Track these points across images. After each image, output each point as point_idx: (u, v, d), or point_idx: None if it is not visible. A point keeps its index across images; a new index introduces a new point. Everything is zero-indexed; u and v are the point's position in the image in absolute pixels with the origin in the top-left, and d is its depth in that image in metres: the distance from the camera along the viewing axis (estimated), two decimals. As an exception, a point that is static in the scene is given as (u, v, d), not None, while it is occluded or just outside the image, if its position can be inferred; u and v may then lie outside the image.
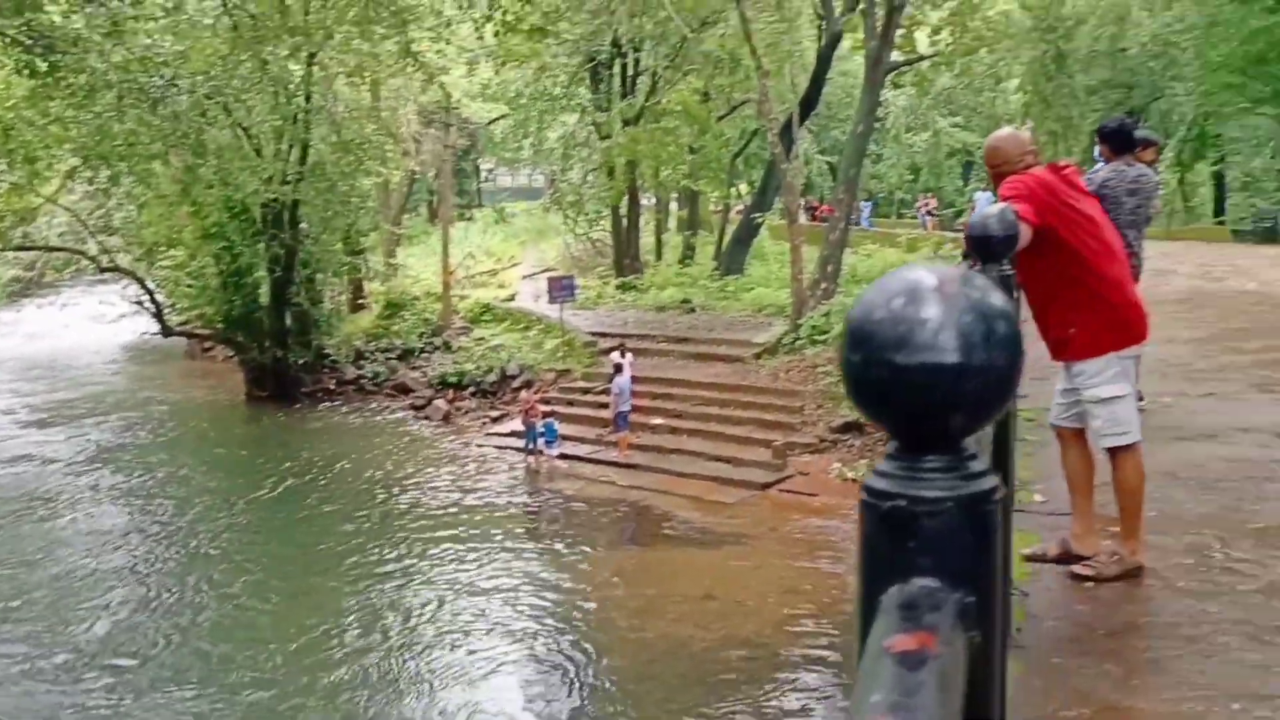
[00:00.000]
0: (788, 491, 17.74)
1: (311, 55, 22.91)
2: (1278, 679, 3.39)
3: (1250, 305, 12.96)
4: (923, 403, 0.67)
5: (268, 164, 24.19)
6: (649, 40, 29.11)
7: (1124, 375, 4.30)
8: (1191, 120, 33.81)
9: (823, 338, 20.35)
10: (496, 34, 19.89)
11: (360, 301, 30.58)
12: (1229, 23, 28.14)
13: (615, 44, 28.46)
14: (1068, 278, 4.22)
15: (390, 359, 26.49)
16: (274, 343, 25.83)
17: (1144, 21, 36.70)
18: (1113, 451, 4.33)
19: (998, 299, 0.69)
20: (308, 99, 24.45)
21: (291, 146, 24.83)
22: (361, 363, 26.49)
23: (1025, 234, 4.05)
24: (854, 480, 16.34)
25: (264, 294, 26.34)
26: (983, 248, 2.26)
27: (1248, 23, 27.36)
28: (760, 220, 30.88)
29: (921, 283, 0.68)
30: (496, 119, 40.02)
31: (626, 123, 28.49)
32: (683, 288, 29.48)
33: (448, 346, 26.46)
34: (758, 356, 21.71)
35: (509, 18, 18.36)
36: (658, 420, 20.44)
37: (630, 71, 30.22)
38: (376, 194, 32.14)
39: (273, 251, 25.30)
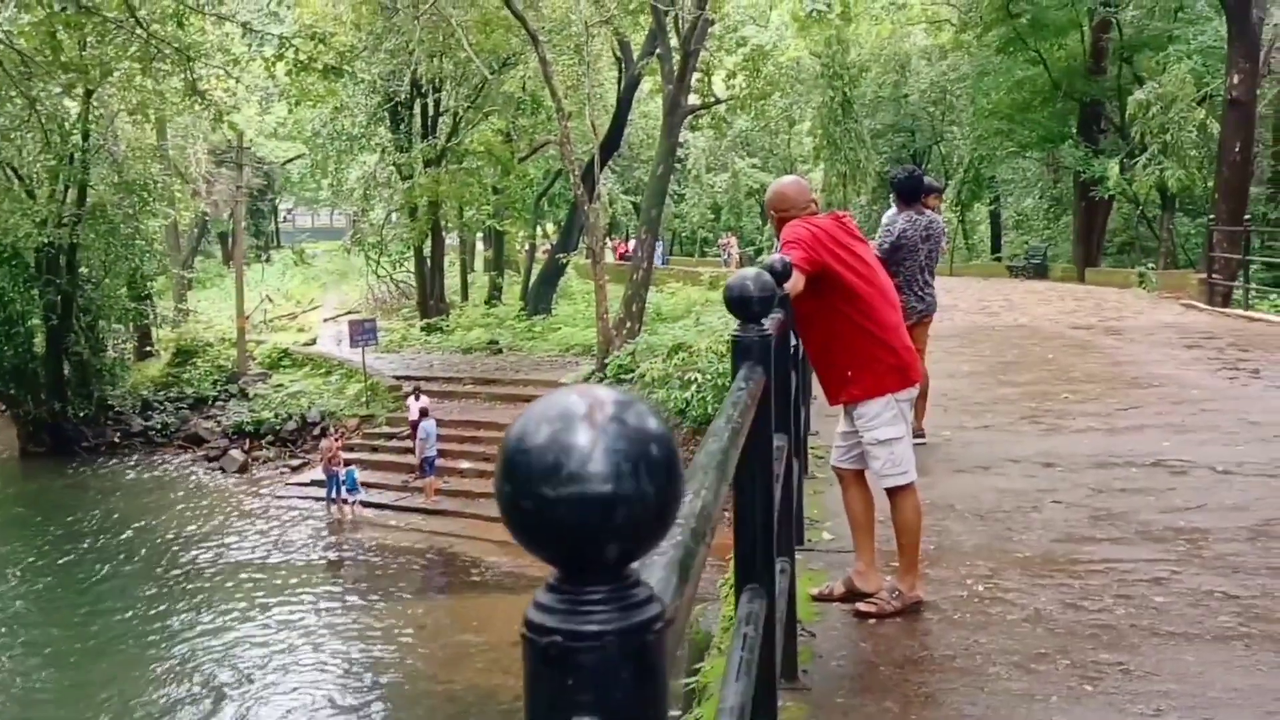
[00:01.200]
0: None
1: (89, 92, 21.73)
2: (1040, 705, 3.55)
3: (1022, 339, 13.80)
4: (574, 535, 0.64)
5: (41, 206, 22.78)
6: (449, 81, 28.96)
7: (901, 417, 4.47)
8: (968, 163, 36.01)
9: (629, 376, 20.50)
10: (289, 73, 19.33)
11: (148, 349, 29.04)
12: (996, 72, 30.18)
13: (415, 84, 28.17)
14: (848, 323, 4.36)
15: (181, 409, 25.24)
16: (51, 395, 24.24)
17: (923, 70, 38.95)
18: (892, 491, 4.49)
19: (654, 423, 0.66)
20: (85, 137, 23.19)
21: (68, 187, 23.49)
22: (150, 414, 25.13)
23: (798, 282, 4.17)
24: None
25: (39, 343, 24.69)
26: (742, 308, 2.28)
27: (1013, 73, 29.42)
28: (566, 260, 31.04)
29: (573, 409, 0.65)
30: (293, 158, 38.94)
31: (428, 163, 28.18)
32: (489, 328, 29.29)
33: (244, 394, 25.41)
34: (565, 396, 21.70)
35: (301, 57, 17.90)
36: (465, 464, 20.15)
37: (431, 112, 29.95)
38: (164, 236, 30.70)
39: (48, 298, 23.78)
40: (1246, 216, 18.72)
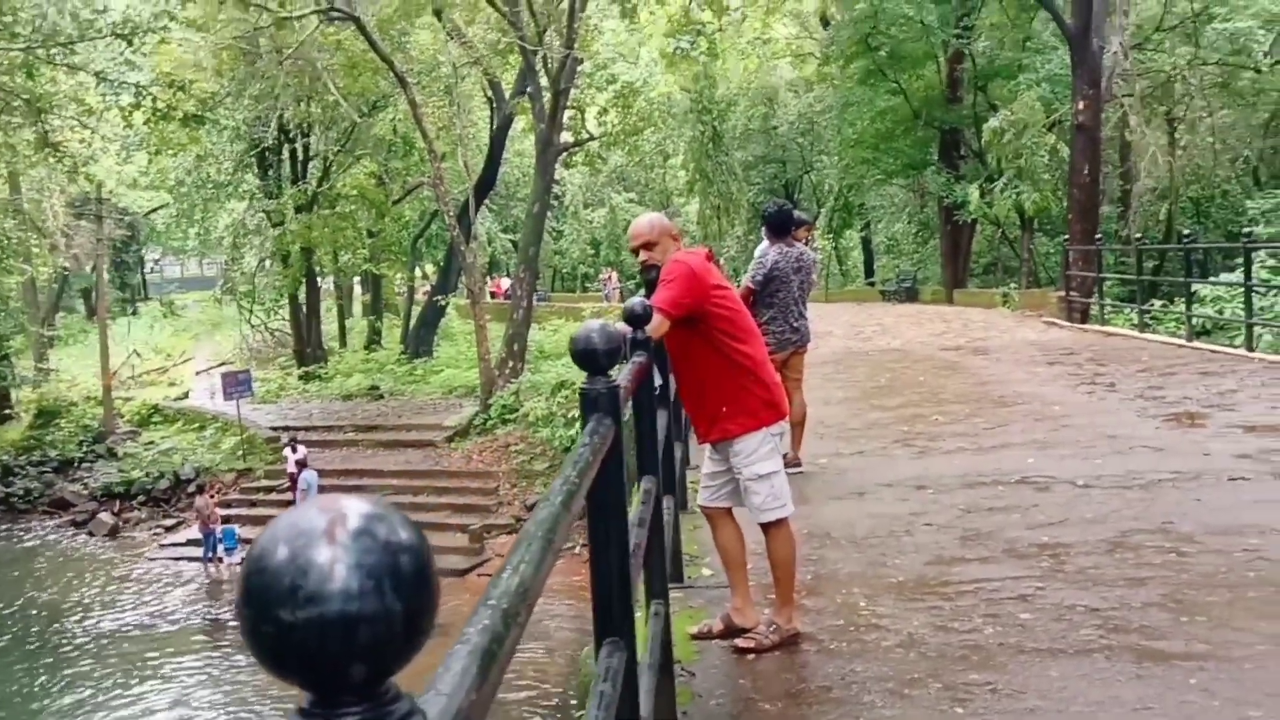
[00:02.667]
0: (487, 575, 17.54)
1: (-67, 146, 20.82)
2: (913, 732, 3.61)
3: (894, 363, 14.16)
4: (317, 659, 0.62)
5: (-114, 266, 21.68)
6: (318, 125, 28.54)
7: (776, 451, 4.53)
8: (838, 191, 36.92)
9: (513, 416, 20.39)
10: (147, 122, 18.80)
11: (7, 412, 27.70)
12: (860, 103, 31.08)
13: (283, 129, 27.68)
14: (724, 359, 4.40)
15: (45, 472, 24.12)
16: (-98, 464, 22.96)
17: (791, 102, 39.90)
18: (768, 525, 4.52)
19: (404, 534, 0.64)
20: (-71, 193, 22.16)
21: (-86, 246, 22.40)
22: (10, 479, 23.94)
23: (662, 324, 4.20)
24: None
25: (-117, 411, 23.40)
26: (588, 361, 2.27)
27: (875, 103, 30.34)
28: (445, 301, 30.76)
29: (313, 525, 0.63)
30: (157, 208, 37.81)
31: (300, 208, 27.67)
32: (370, 374, 28.79)
33: (112, 454, 24.41)
34: (449, 440, 21.45)
35: (160, 105, 17.43)
36: (349, 514, 19.71)
37: (301, 156, 29.46)
38: (21, 293, 29.43)
39: (-111, 362, 22.58)
40: (1098, 235, 19.59)
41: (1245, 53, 24.14)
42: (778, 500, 4.46)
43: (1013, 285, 26.55)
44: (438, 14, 24.06)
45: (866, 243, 43.62)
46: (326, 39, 22.66)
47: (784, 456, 7.60)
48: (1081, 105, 20.04)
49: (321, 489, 19.30)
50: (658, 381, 4.57)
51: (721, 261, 27.29)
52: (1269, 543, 5.26)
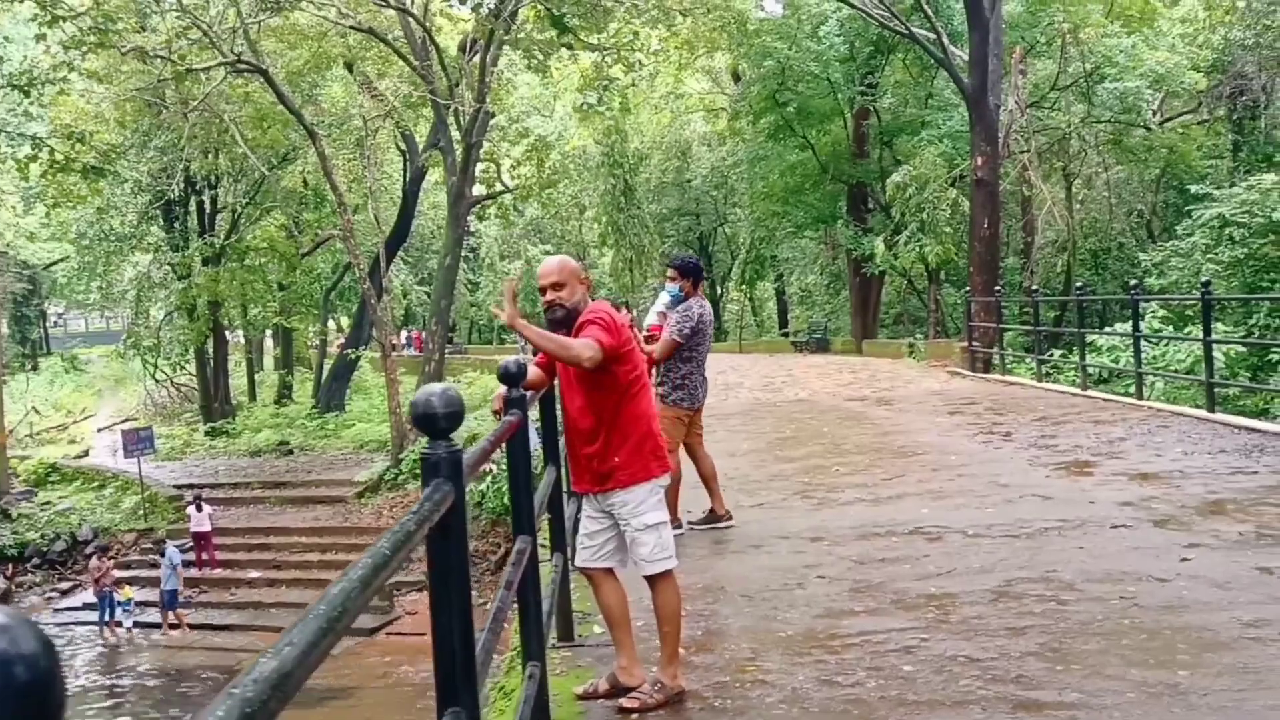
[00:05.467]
0: (396, 634, 17.21)
1: None
2: (789, 791, 3.60)
3: (801, 413, 14.30)
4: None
5: None
6: (226, 177, 28.18)
7: (662, 502, 4.53)
8: (750, 243, 37.44)
9: (424, 471, 20.13)
10: (45, 174, 18.35)
11: (-106, 472, 26.56)
12: (770, 158, 31.66)
13: (189, 181, 27.25)
14: (626, 409, 4.41)
15: (-68, 536, 23.11)
16: None
17: (704, 156, 40.49)
18: (654, 578, 4.50)
19: (26, 643, 0.62)
20: None
21: None
22: (-105, 544, 22.89)
23: (598, 359, 4.22)
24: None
25: None
26: (428, 425, 2.25)
27: (784, 157, 30.93)
28: (357, 355, 30.39)
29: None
30: (58, 260, 36.87)
31: (206, 261, 27.21)
32: (279, 429, 28.25)
33: (6, 515, 23.50)
34: (360, 495, 21.11)
35: (58, 157, 17.04)
36: (254, 574, 19.23)
37: (208, 209, 29.02)
38: (-90, 349, 28.40)
39: None
40: (999, 287, 20.11)
41: (1135, 111, 25.12)
42: (665, 551, 4.45)
43: (920, 336, 27.09)
44: (349, 67, 24.03)
45: (780, 294, 44.21)
46: (234, 91, 22.44)
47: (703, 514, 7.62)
48: (980, 161, 20.65)
49: (226, 548, 18.81)
50: (535, 443, 4.55)
51: (635, 314, 27.40)
52: (1144, 590, 5.39)
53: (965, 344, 20.27)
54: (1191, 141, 27.30)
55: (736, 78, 34.59)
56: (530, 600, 3.94)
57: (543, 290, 4.60)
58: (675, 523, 7.53)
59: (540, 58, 22.38)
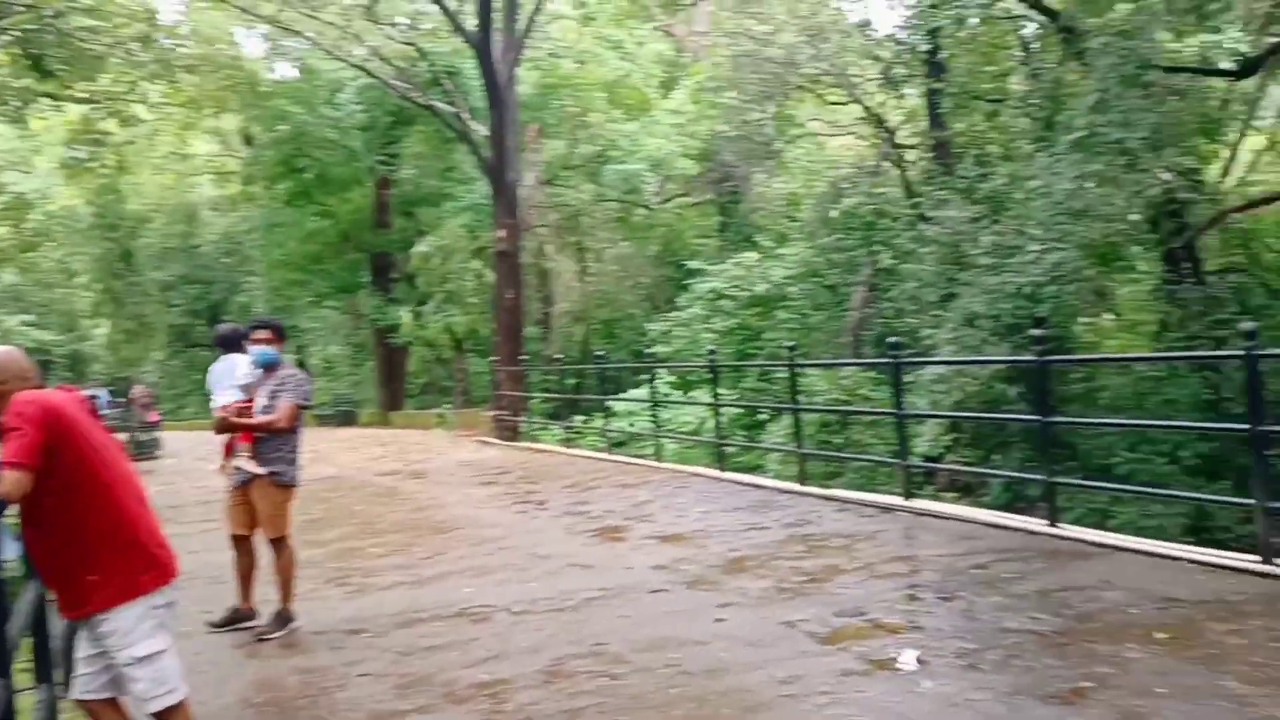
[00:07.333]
0: None
1: None
2: None
3: (329, 492, 13.52)
4: None
5: None
6: None
7: (162, 626, 3.81)
8: (268, 313, 35.68)
9: None
10: None
11: None
12: (287, 224, 30.48)
13: None
14: (90, 517, 3.64)
15: None
16: None
17: (214, 221, 38.18)
18: (161, 714, 3.79)
19: None
20: None
21: None
22: None
23: (19, 482, 3.42)
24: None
25: None
26: None
27: (303, 225, 29.94)
28: None
29: None
30: None
31: None
32: None
33: None
34: None
35: None
36: None
37: None
38: None
39: None
40: (523, 355, 20.63)
41: (637, 191, 27.16)
42: (164, 685, 3.76)
43: (448, 405, 27.14)
44: None
45: (302, 365, 42.54)
46: None
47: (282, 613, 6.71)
48: (503, 234, 21.18)
49: None
50: (8, 555, 3.71)
51: (140, 390, 24.89)
52: (687, 655, 5.47)
53: (494, 412, 20.51)
54: (686, 221, 29.99)
55: (249, 140, 33.03)
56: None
57: None
58: (251, 613, 6.86)
59: (19, 105, 19.85)
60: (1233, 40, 16.26)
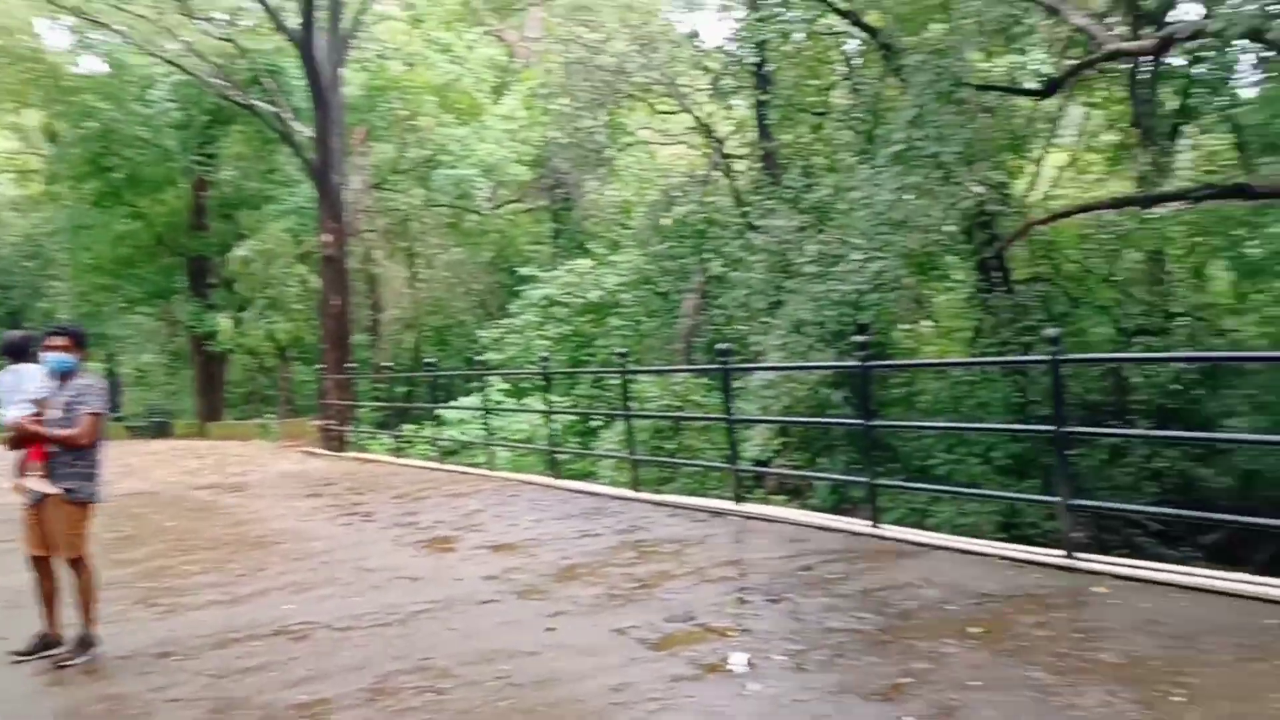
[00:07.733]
0: None
1: None
2: None
3: (140, 508, 12.78)
4: None
5: None
6: None
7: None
8: (75, 320, 33.70)
9: None
10: None
11: None
12: (95, 226, 28.86)
13: None
14: None
15: None
16: None
17: (14, 222, 35.87)
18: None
19: None
20: None
21: None
22: None
23: None
24: None
25: None
26: None
27: (112, 227, 28.39)
28: None
29: None
30: None
31: None
32: None
33: None
34: None
35: None
36: None
37: None
38: None
39: None
40: (351, 363, 20.06)
41: (469, 197, 26.83)
42: None
43: (271, 415, 26.18)
44: None
45: (112, 374, 40.34)
46: None
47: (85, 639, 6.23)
48: (329, 238, 20.56)
49: None
50: None
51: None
52: (517, 666, 5.37)
53: (320, 422, 19.88)
54: (519, 227, 29.82)
55: (53, 137, 31.13)
56: None
57: None
58: (56, 640, 6.37)
59: None
60: (1036, 62, 17.19)
